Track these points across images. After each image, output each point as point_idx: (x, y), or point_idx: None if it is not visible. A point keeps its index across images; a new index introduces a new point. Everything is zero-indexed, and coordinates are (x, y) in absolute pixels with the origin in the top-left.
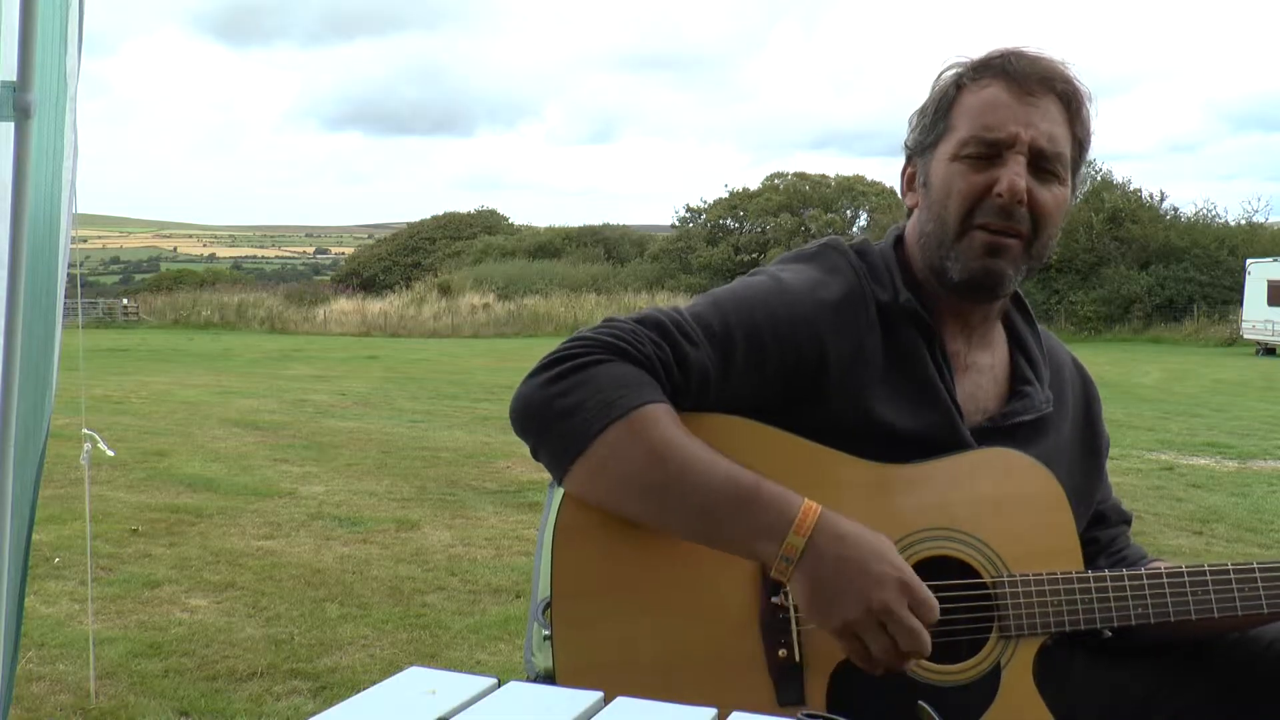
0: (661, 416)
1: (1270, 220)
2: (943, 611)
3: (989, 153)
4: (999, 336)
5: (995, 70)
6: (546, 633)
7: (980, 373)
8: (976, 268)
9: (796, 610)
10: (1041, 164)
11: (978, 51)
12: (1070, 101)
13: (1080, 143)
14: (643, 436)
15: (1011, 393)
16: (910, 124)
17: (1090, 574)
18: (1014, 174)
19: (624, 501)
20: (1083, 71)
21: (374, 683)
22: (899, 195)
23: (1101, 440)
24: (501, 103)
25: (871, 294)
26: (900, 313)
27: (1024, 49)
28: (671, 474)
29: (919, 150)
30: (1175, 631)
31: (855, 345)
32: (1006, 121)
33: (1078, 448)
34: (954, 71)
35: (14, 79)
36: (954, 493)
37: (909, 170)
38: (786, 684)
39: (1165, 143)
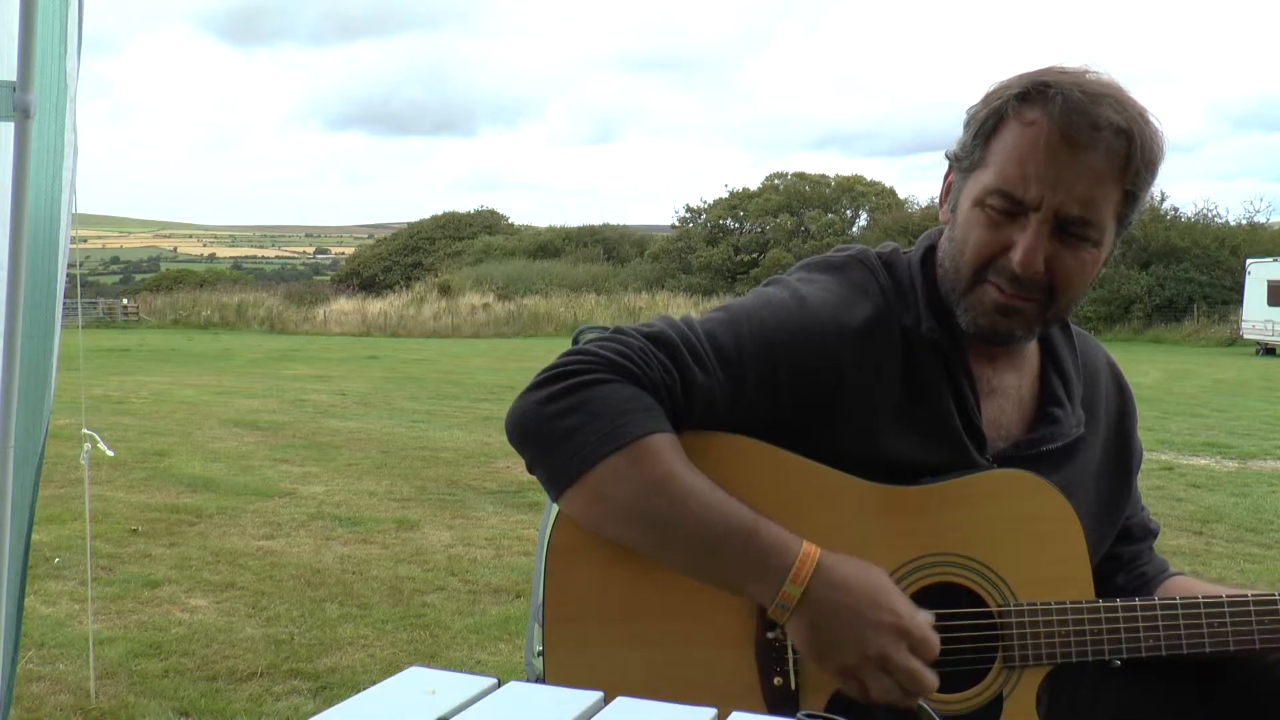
0: (664, 447)
1: (1271, 220)
2: (947, 640)
3: (1012, 209)
4: (1030, 352)
5: (1044, 103)
6: (540, 648)
7: (1005, 396)
8: (985, 324)
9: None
10: (1069, 228)
11: (1038, 59)
12: (1126, 153)
13: (1131, 194)
14: (642, 468)
15: (1039, 416)
16: (967, 110)
17: (1101, 603)
18: (1029, 246)
19: (619, 531)
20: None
21: (374, 683)
22: (936, 202)
23: (1134, 455)
24: (504, 103)
25: (897, 317)
26: (923, 341)
27: (1086, 76)
28: (670, 509)
29: (956, 167)
30: (1184, 656)
31: (873, 375)
32: (1034, 180)
33: (1108, 463)
34: (1005, 94)
35: (14, 79)
36: (962, 516)
37: (949, 179)
38: (782, 712)
39: (1166, 143)
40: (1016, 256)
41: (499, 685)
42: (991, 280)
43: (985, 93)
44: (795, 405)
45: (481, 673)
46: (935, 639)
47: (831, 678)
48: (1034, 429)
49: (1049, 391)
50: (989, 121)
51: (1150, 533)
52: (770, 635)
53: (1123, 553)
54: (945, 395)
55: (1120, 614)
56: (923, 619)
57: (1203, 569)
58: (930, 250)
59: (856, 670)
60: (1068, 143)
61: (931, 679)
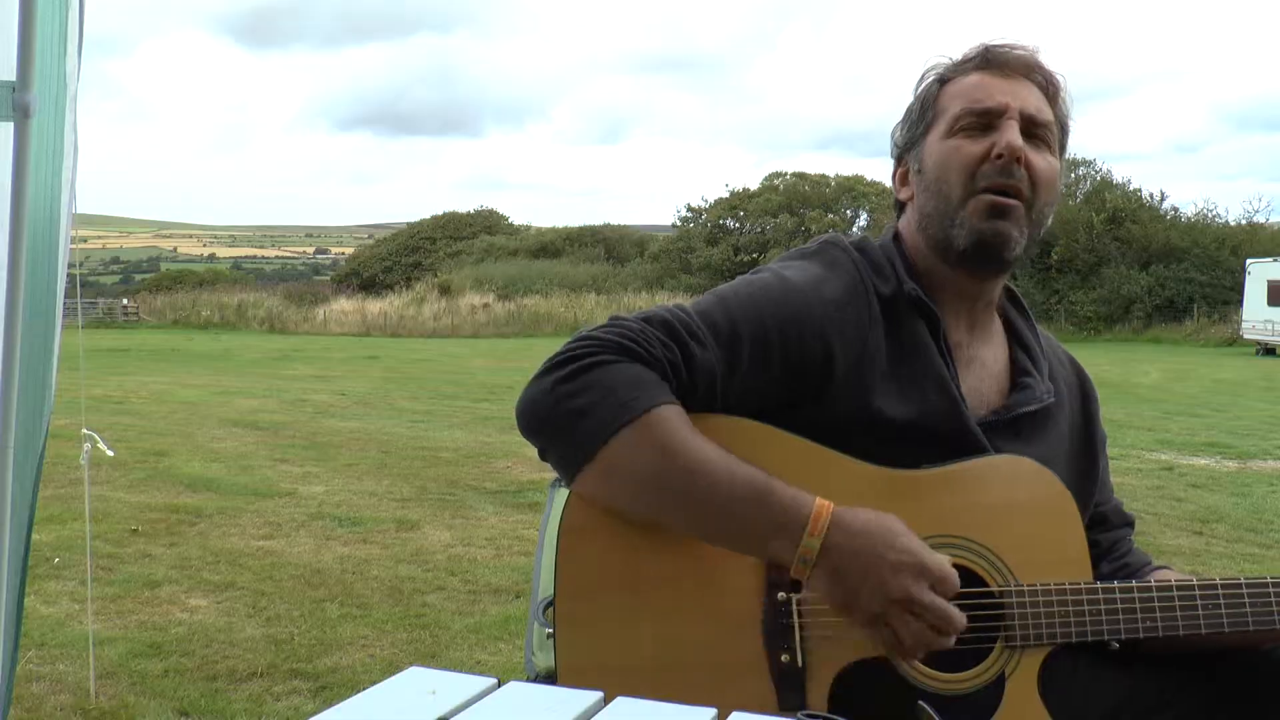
0: (673, 417)
1: (1271, 220)
2: None
3: (983, 123)
4: (998, 330)
5: (975, 63)
6: (549, 631)
7: (983, 365)
8: (984, 229)
9: (801, 615)
10: (1033, 131)
11: (956, 53)
12: (1048, 88)
13: (1061, 125)
14: (656, 437)
15: (1013, 385)
16: (893, 133)
17: (1099, 586)
18: (1010, 133)
19: (637, 502)
20: (1056, 61)
21: (374, 683)
22: (894, 197)
23: (1098, 438)
24: (511, 104)
25: (873, 288)
26: (905, 303)
27: (999, 42)
28: (685, 475)
29: (909, 145)
30: (1183, 643)
31: (859, 341)
32: (995, 94)
33: (1076, 443)
34: (934, 71)
35: (14, 79)
36: (963, 499)
37: (900, 170)
38: (788, 688)
39: (1168, 143)
40: (1000, 143)
41: (499, 685)
42: (981, 186)
43: (913, 91)
44: (788, 377)
45: (481, 673)
46: (954, 575)
47: (863, 633)
48: (1009, 396)
49: (1018, 364)
50: (929, 96)
51: (1127, 521)
52: (784, 597)
53: (1102, 539)
54: (933, 352)
55: (1118, 595)
56: (940, 557)
57: (1203, 569)
58: (897, 234)
59: (884, 616)
60: (1004, 75)
61: (959, 616)
